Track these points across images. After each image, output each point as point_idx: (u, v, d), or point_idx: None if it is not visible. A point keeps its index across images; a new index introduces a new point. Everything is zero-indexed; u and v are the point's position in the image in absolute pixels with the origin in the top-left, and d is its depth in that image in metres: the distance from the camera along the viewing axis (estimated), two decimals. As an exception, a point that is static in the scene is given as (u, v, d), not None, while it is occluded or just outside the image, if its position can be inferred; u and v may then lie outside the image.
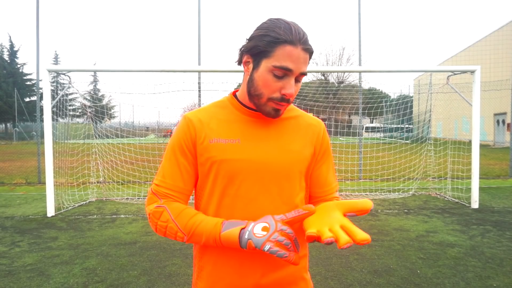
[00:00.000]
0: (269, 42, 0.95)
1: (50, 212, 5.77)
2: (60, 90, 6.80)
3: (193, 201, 1.16)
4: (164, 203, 1.03)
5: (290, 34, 0.94)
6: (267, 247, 0.83)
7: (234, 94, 1.13)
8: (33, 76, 38.30)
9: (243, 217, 1.00)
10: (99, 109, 8.54)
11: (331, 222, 0.84)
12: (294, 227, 0.92)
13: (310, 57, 1.01)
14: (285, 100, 0.99)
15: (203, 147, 1.04)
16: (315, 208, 0.88)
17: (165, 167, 1.07)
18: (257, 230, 0.87)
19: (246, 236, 0.88)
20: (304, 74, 1.00)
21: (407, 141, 10.12)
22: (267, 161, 1.03)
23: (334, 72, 34.15)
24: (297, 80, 1.00)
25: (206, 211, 1.07)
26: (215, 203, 1.04)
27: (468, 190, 6.30)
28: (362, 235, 0.79)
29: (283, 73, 0.96)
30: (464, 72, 6.33)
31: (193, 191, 1.14)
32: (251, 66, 1.02)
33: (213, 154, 1.03)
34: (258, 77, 0.99)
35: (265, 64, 0.97)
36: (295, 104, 1.18)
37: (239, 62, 1.07)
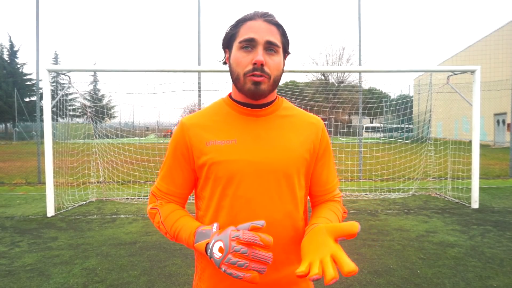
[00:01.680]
0: (234, 26, 1.05)
1: (50, 212, 5.77)
2: (60, 90, 6.80)
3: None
4: (158, 204, 1.11)
5: (250, 14, 1.04)
6: (223, 269, 0.82)
7: (229, 95, 1.14)
8: (33, 76, 38.30)
9: (242, 217, 1.01)
10: (99, 109, 8.54)
11: (323, 253, 0.85)
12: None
13: (280, 31, 1.04)
14: (257, 69, 0.99)
15: (199, 151, 1.06)
16: (271, 240, 0.82)
17: (161, 171, 1.15)
18: (215, 250, 0.85)
19: (208, 254, 0.88)
20: (274, 44, 1.01)
21: (407, 141, 10.12)
22: (264, 160, 1.03)
23: (334, 72, 34.12)
24: (270, 50, 1.01)
25: (207, 212, 1.08)
26: (215, 205, 1.05)
27: (468, 190, 6.30)
28: (349, 267, 0.78)
29: (249, 44, 1.00)
30: (464, 72, 6.33)
31: (192, 193, 1.17)
32: (229, 57, 1.07)
33: (210, 156, 1.04)
34: (232, 60, 1.04)
35: (235, 46, 1.04)
36: (295, 104, 1.18)
37: (224, 61, 1.12)
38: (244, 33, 1.01)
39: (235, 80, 1.04)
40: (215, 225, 0.95)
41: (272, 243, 0.82)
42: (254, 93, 1.02)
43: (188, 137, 1.08)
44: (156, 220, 1.09)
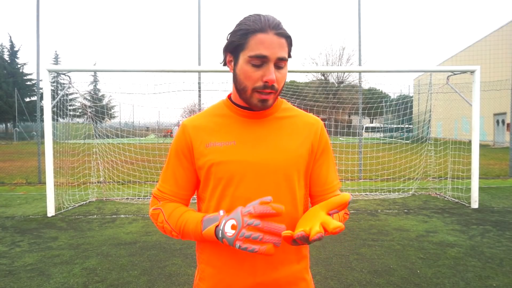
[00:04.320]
0: (241, 34, 0.99)
1: (50, 212, 5.77)
2: (60, 90, 6.80)
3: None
4: (161, 205, 1.12)
5: (259, 22, 0.98)
6: (237, 245, 0.84)
7: (229, 96, 1.15)
8: (34, 76, 38.35)
9: None
10: (99, 109, 8.54)
11: (313, 222, 0.89)
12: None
13: (288, 42, 1.02)
14: (268, 87, 0.99)
15: (200, 152, 1.07)
16: (283, 208, 0.86)
17: (163, 172, 1.15)
18: (227, 228, 0.87)
19: (220, 235, 0.90)
20: (283, 59, 0.99)
21: (407, 141, 10.12)
22: (263, 161, 1.04)
23: (334, 72, 34.14)
24: (279, 66, 1.00)
25: (207, 213, 1.08)
26: (214, 205, 1.06)
27: (468, 190, 6.31)
28: (334, 224, 0.83)
29: (260, 61, 0.97)
30: (464, 72, 6.33)
31: (194, 194, 1.18)
32: (233, 63, 1.05)
33: (210, 158, 1.05)
34: (239, 71, 1.02)
35: (243, 57, 1.00)
36: (295, 104, 1.19)
37: (224, 62, 1.10)
38: (255, 48, 0.97)
39: (241, 90, 1.03)
40: (221, 211, 0.97)
41: (284, 210, 0.85)
42: (260, 108, 1.03)
43: (189, 138, 1.09)
44: (160, 220, 1.08)
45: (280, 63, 1.00)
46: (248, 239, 0.83)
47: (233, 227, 0.86)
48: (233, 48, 1.02)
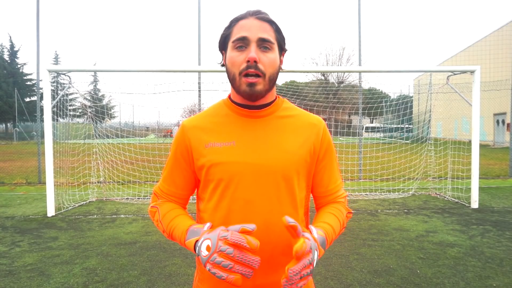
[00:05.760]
0: (227, 27, 1.06)
1: (50, 212, 5.77)
2: (60, 90, 6.80)
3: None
4: (158, 203, 1.14)
5: (242, 13, 1.05)
6: (207, 268, 0.83)
7: (229, 96, 1.14)
8: (33, 76, 38.33)
9: (240, 219, 1.01)
10: (99, 109, 8.54)
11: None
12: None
13: (274, 28, 1.04)
14: (251, 66, 0.98)
15: (199, 153, 1.07)
16: (257, 244, 0.82)
17: (164, 172, 1.17)
18: (203, 247, 0.86)
19: (196, 251, 0.90)
20: (267, 41, 1.00)
21: (407, 141, 10.12)
22: (263, 162, 1.03)
23: (334, 72, 34.15)
24: (264, 47, 1.01)
25: (206, 213, 1.09)
26: (213, 206, 1.06)
27: (468, 190, 6.31)
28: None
29: (242, 43, 1.00)
30: (464, 72, 6.34)
31: (193, 193, 1.19)
32: (225, 57, 1.08)
33: (209, 158, 1.04)
34: (227, 61, 1.05)
35: (229, 46, 1.04)
36: (295, 104, 1.16)
37: (222, 63, 1.12)
38: (236, 32, 1.01)
39: (232, 81, 1.04)
40: (207, 224, 0.96)
41: (258, 247, 0.82)
42: (249, 95, 1.01)
43: (188, 139, 1.08)
44: (156, 218, 1.11)
45: (264, 44, 1.00)
46: (218, 265, 0.81)
47: (207, 248, 0.85)
48: (223, 41, 1.07)
